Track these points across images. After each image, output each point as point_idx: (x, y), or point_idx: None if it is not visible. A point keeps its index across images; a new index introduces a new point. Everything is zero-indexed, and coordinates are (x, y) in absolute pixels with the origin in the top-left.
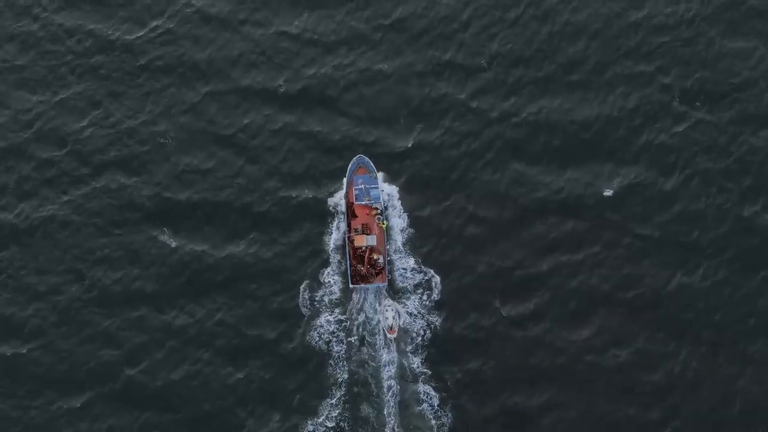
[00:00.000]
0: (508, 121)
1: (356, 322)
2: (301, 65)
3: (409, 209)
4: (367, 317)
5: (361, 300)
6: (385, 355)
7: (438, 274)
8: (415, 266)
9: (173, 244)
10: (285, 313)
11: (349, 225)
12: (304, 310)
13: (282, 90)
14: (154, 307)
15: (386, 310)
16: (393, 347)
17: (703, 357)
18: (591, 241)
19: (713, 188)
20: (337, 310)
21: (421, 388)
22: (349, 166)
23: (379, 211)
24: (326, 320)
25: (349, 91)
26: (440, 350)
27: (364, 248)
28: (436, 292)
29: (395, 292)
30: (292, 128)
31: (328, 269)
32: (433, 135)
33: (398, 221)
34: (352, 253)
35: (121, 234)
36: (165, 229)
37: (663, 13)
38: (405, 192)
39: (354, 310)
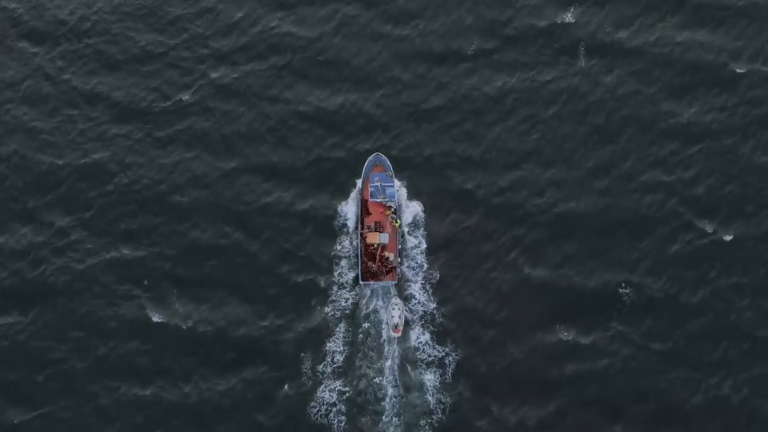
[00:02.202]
0: (534, 218)
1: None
2: (329, 144)
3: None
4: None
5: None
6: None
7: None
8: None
9: (181, 318)
10: (290, 398)
11: (362, 222)
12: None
13: (302, 167)
14: (158, 381)
15: (393, 309)
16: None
17: None
18: (611, 349)
19: (738, 303)
20: (338, 382)
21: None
22: (366, 163)
23: (392, 210)
24: (328, 391)
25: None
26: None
27: (376, 246)
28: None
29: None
30: (313, 212)
31: (331, 343)
32: (457, 227)
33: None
34: (363, 250)
35: (126, 305)
36: (175, 301)
37: (702, 121)
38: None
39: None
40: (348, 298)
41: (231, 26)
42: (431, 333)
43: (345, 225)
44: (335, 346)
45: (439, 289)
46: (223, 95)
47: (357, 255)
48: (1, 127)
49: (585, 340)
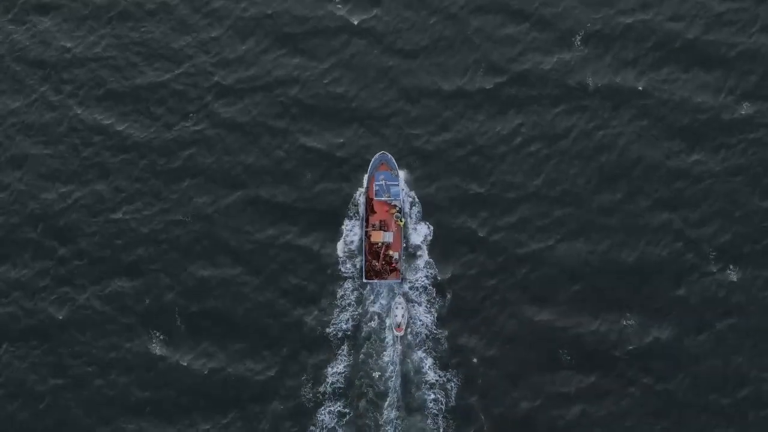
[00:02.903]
0: (539, 257)
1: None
2: (337, 182)
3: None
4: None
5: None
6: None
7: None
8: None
9: (182, 350)
10: (289, 421)
11: (367, 220)
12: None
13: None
14: (157, 414)
15: (396, 308)
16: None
17: None
18: (615, 391)
19: (743, 346)
20: (338, 403)
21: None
22: (372, 161)
23: (397, 209)
24: (328, 413)
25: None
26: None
27: (380, 244)
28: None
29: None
30: (312, 252)
31: (332, 364)
32: (462, 263)
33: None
34: (368, 248)
35: (125, 338)
36: (175, 333)
37: (708, 162)
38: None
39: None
40: (349, 320)
41: (236, 59)
42: (434, 358)
43: (347, 254)
44: (336, 367)
45: (442, 321)
46: (227, 128)
47: (361, 253)
48: (2, 155)
49: (588, 381)
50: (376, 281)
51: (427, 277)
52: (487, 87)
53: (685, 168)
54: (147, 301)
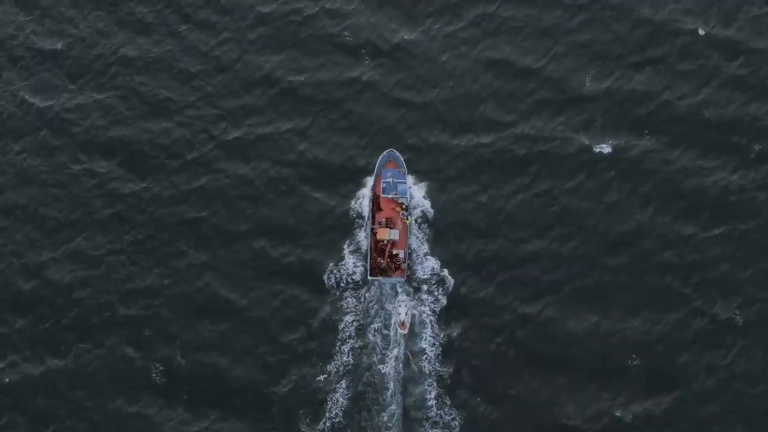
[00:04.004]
0: (549, 292)
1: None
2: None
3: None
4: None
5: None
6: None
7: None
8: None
9: (181, 378)
10: None
11: (373, 217)
12: None
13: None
14: None
15: (400, 306)
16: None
17: None
18: (620, 429)
19: (751, 390)
20: None
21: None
22: (379, 159)
23: (404, 207)
24: None
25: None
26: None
27: (386, 242)
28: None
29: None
30: (319, 273)
31: (331, 398)
32: (471, 296)
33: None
34: (373, 245)
35: (126, 365)
36: (176, 361)
37: (723, 202)
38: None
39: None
40: (350, 351)
41: (250, 85)
42: (437, 392)
43: (351, 281)
44: (336, 401)
45: (448, 354)
46: (238, 154)
47: (366, 250)
48: (9, 178)
49: (594, 419)
50: (380, 278)
51: (433, 306)
52: (501, 119)
53: (698, 207)
54: (149, 328)
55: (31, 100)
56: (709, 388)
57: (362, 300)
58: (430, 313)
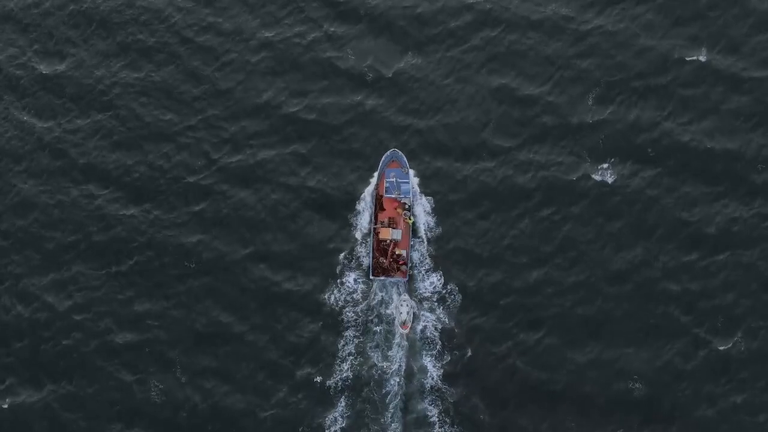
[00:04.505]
0: (550, 320)
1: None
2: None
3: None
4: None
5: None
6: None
7: None
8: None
9: (180, 403)
10: None
11: (376, 217)
12: None
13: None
14: None
15: (402, 305)
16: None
17: None
18: None
19: (751, 421)
20: None
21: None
22: (382, 158)
23: (407, 207)
24: None
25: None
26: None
27: (388, 242)
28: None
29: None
30: (319, 301)
31: (331, 415)
32: (472, 324)
33: None
34: (375, 245)
35: (126, 388)
36: (176, 385)
37: (727, 231)
38: None
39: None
40: (350, 368)
41: (251, 109)
42: (439, 409)
43: (351, 303)
44: (335, 420)
45: (450, 373)
46: (239, 178)
47: (369, 250)
48: (8, 201)
49: None
50: (382, 278)
51: (435, 328)
52: (504, 145)
53: (701, 235)
54: (150, 352)
55: (31, 122)
56: (710, 417)
57: (362, 320)
58: (432, 329)
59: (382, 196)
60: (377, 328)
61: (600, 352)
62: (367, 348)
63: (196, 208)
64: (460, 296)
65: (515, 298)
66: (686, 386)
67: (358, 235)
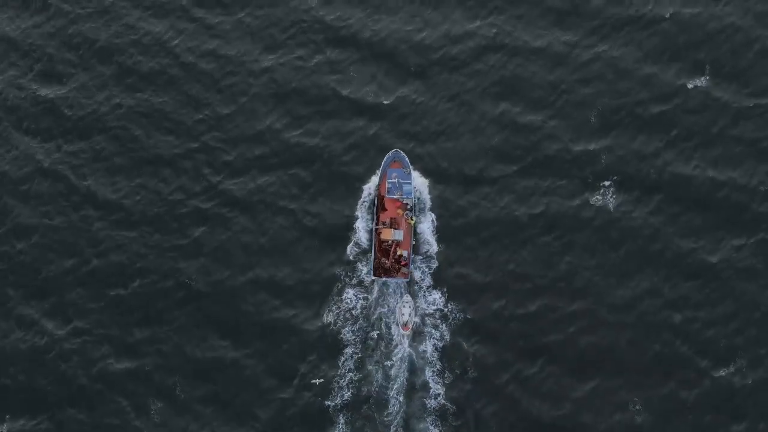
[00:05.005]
0: (550, 351)
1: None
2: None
3: None
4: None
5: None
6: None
7: None
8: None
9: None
10: None
11: (377, 217)
12: None
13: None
14: None
15: (403, 306)
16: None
17: None
18: None
19: None
20: None
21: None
22: (385, 158)
23: (409, 207)
24: None
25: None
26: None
27: (390, 242)
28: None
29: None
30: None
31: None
32: (474, 351)
33: None
34: (377, 246)
35: (124, 416)
36: (175, 413)
37: (728, 262)
38: None
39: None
40: (349, 385)
41: (253, 134)
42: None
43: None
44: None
45: (452, 394)
46: (238, 203)
47: (371, 250)
48: (7, 223)
49: None
50: (384, 279)
51: (436, 348)
52: (507, 172)
53: (703, 267)
54: (148, 380)
55: (30, 145)
56: None
57: (360, 338)
58: (433, 349)
59: (383, 197)
60: (376, 346)
61: (602, 381)
62: (367, 366)
63: (196, 233)
64: (462, 316)
65: (517, 325)
66: (689, 418)
67: (355, 254)
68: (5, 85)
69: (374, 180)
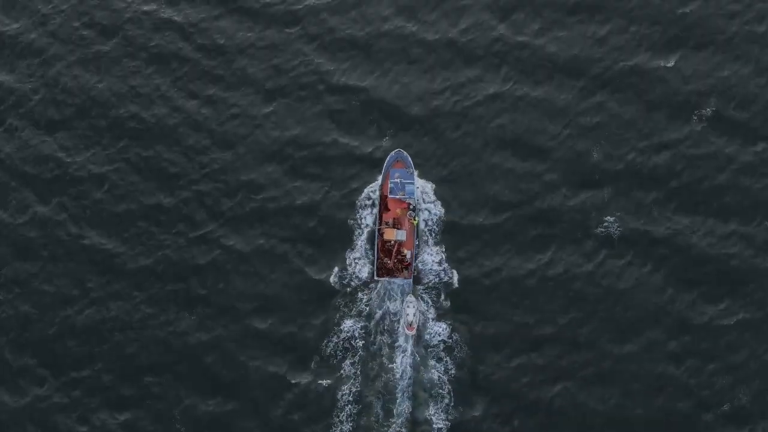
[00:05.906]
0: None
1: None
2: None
3: None
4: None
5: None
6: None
7: None
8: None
9: None
10: None
11: (380, 217)
12: None
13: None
14: None
15: (408, 307)
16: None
17: None
18: None
19: None
20: None
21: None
22: (387, 158)
23: (411, 207)
24: None
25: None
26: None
27: (393, 242)
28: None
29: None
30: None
31: None
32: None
33: None
34: (380, 246)
35: None
36: None
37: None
38: None
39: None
40: (349, 418)
41: (258, 159)
42: None
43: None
44: None
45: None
46: (240, 229)
47: (374, 251)
48: (10, 250)
49: None
50: (387, 279)
51: (441, 380)
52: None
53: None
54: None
55: (32, 171)
56: None
57: (361, 370)
58: (437, 381)
59: (386, 197)
60: (378, 377)
61: (609, 409)
62: (368, 397)
63: (201, 260)
64: (466, 348)
65: (525, 357)
66: None
67: (357, 278)
68: (13, 101)
69: (377, 180)
